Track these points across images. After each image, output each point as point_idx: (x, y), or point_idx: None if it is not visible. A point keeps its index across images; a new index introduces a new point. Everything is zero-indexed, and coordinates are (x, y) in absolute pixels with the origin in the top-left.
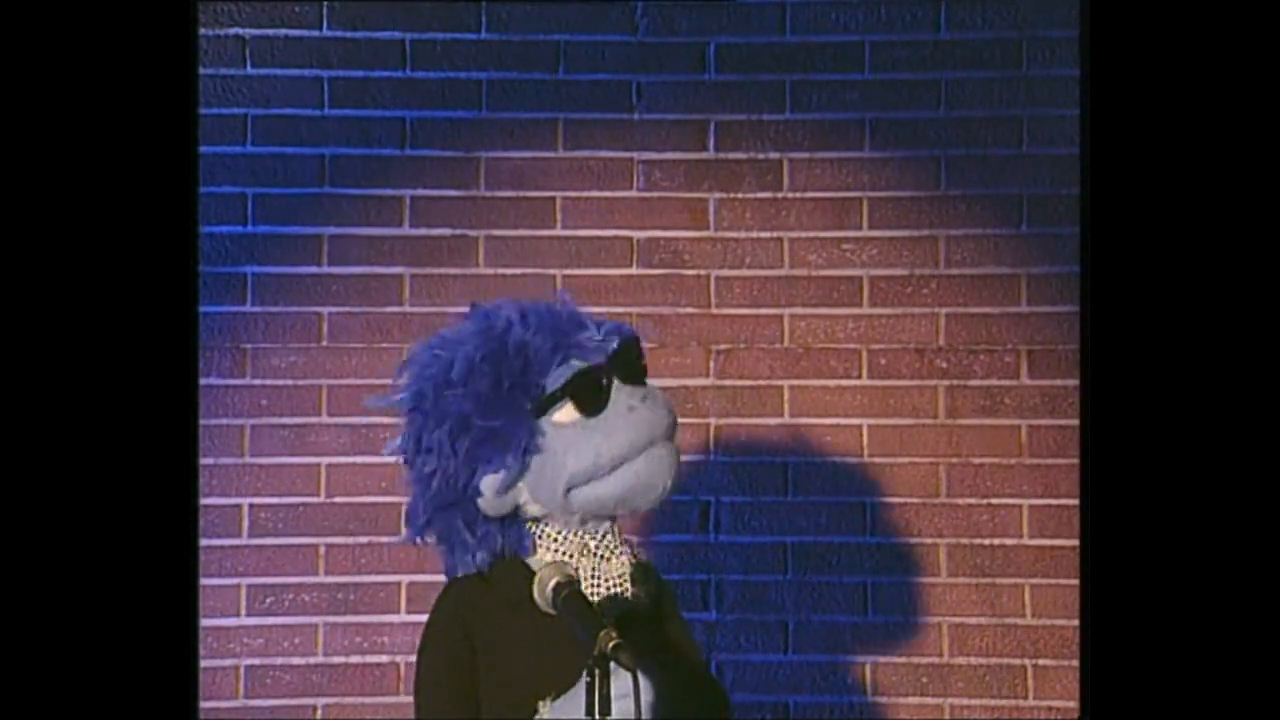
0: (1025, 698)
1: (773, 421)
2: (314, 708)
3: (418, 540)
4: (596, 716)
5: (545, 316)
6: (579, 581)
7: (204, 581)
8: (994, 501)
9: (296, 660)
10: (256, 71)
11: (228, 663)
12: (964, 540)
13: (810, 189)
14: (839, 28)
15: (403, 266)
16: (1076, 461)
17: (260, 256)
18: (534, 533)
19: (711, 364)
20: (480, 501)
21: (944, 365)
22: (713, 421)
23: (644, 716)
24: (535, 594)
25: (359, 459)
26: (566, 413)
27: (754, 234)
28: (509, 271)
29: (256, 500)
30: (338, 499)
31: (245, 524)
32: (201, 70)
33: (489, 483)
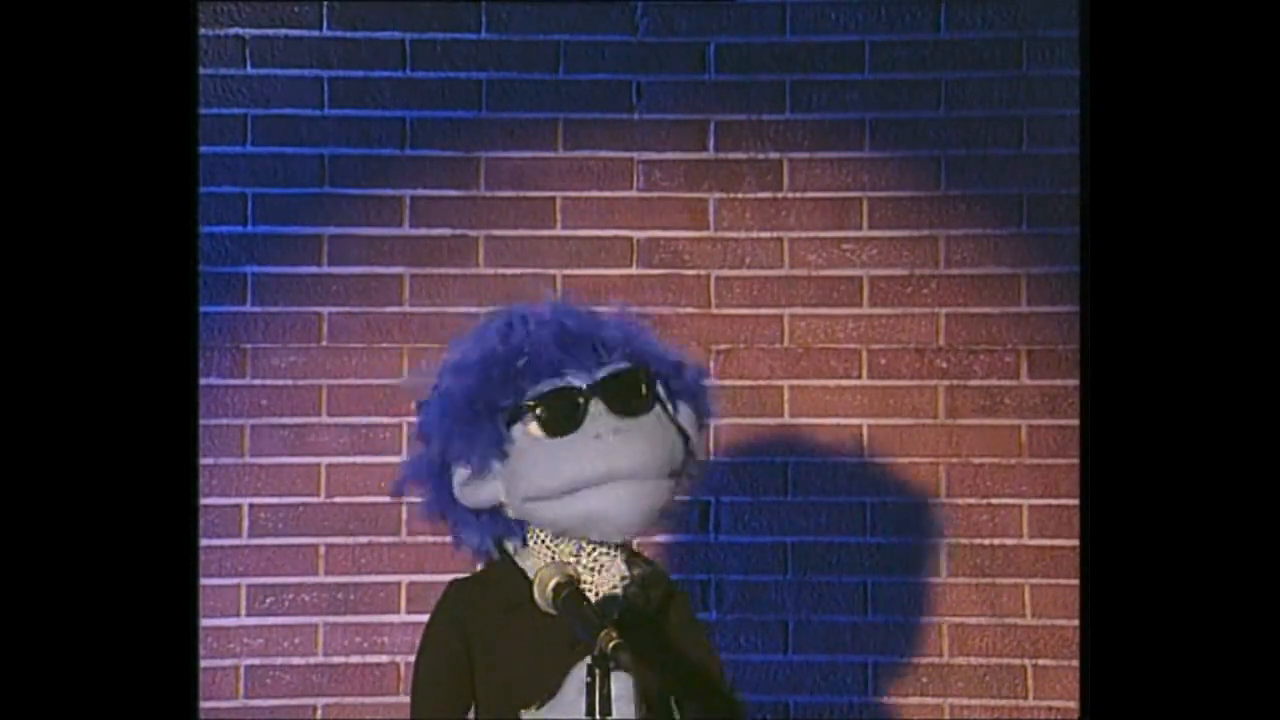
0: (1025, 698)
1: (773, 421)
2: (314, 708)
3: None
4: (597, 717)
5: (555, 328)
6: (579, 581)
7: (204, 581)
8: (994, 501)
9: (296, 660)
10: (256, 71)
11: (228, 663)
12: (964, 540)
13: (810, 189)
14: (839, 28)
15: (403, 266)
16: (1076, 461)
17: (260, 256)
18: (530, 527)
19: (711, 364)
20: (454, 490)
21: (944, 365)
22: (713, 421)
23: (644, 717)
24: (535, 594)
25: (359, 459)
26: (536, 427)
27: (754, 234)
28: (509, 271)
29: (256, 500)
30: (338, 499)
31: (245, 524)
32: (201, 70)
33: (458, 475)
